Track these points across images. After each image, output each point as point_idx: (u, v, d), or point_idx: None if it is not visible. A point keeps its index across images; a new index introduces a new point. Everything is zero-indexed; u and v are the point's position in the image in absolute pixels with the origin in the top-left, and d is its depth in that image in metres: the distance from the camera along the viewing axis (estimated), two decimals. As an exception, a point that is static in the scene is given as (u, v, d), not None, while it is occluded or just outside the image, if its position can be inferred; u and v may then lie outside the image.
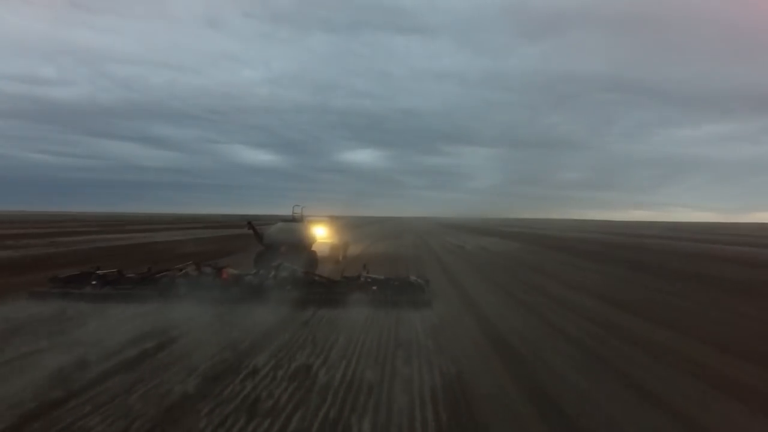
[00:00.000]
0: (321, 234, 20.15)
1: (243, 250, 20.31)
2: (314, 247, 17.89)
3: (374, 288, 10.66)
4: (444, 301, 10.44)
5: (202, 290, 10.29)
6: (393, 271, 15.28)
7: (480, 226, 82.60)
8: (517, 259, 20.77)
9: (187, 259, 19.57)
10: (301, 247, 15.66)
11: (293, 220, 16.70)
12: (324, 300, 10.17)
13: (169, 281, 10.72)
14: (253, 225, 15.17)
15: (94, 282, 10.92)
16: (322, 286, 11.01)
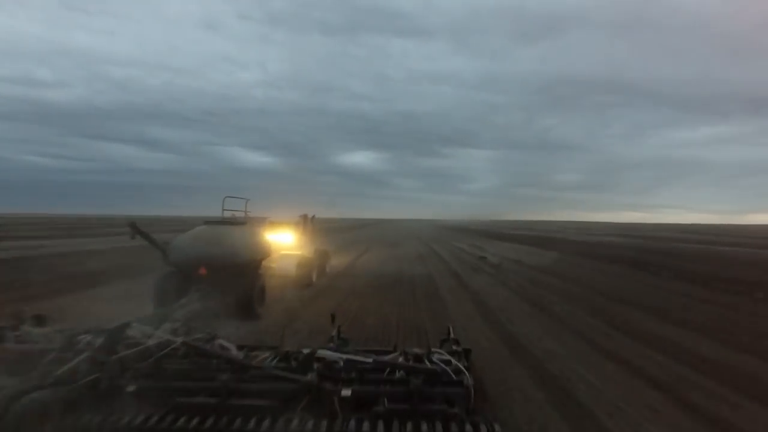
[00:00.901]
0: (285, 242, 13.76)
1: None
2: (271, 263, 11.38)
3: (346, 393, 4.03)
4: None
5: None
6: (391, 312, 8.79)
7: (485, 229, 75.91)
8: (577, 281, 14.13)
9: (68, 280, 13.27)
10: (237, 267, 9.10)
11: (227, 222, 10.04)
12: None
13: None
14: (139, 228, 8.50)
15: None
16: (215, 383, 4.29)
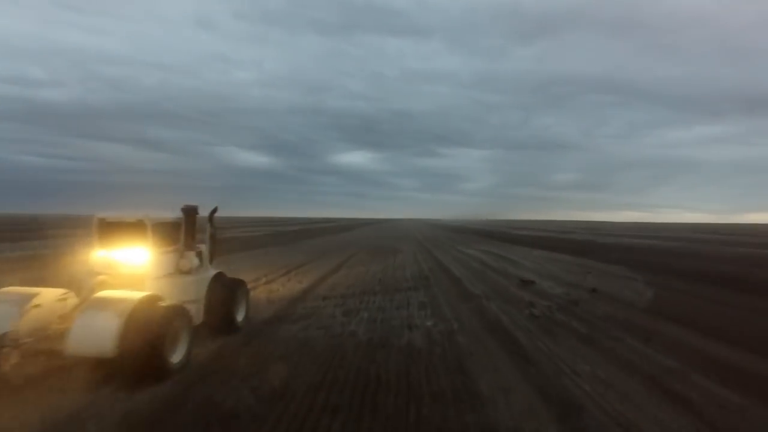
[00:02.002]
0: (128, 266, 6.14)
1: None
2: (57, 324, 5.15)
3: None
4: None
5: None
6: None
7: (488, 229, 67.69)
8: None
9: None
10: None
11: None
12: None
13: None
14: None
15: None
16: None
